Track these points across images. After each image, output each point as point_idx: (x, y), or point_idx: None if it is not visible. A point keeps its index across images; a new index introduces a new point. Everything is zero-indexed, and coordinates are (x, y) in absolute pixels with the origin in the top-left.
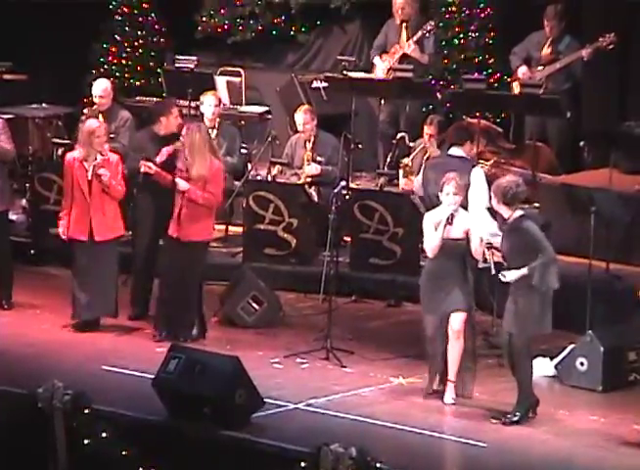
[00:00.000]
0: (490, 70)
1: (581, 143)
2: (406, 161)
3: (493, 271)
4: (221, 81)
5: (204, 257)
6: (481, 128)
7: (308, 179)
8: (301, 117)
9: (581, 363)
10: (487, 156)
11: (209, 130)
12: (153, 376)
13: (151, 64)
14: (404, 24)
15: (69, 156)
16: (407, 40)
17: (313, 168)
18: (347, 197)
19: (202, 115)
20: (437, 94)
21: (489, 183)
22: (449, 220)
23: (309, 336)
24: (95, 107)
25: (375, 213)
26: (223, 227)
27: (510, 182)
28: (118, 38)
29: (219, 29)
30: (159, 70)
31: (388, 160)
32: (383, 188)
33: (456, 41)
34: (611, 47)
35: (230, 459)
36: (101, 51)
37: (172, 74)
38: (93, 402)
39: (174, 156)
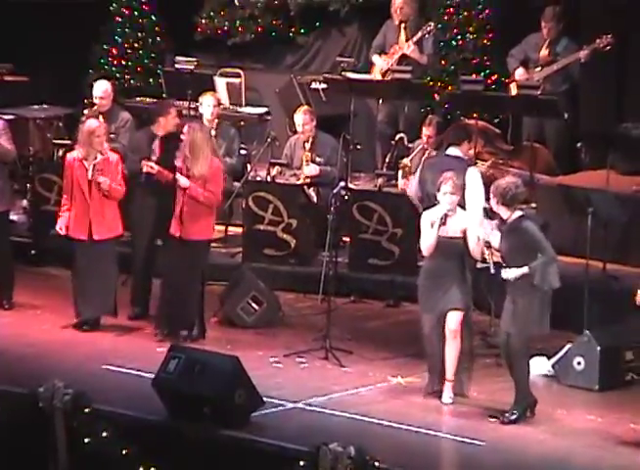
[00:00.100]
0: (488, 72)
1: (579, 144)
2: (405, 161)
3: (492, 271)
4: (221, 82)
5: (205, 256)
6: (479, 129)
7: (307, 180)
8: (301, 117)
9: (578, 363)
10: (485, 156)
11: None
12: (153, 376)
13: (151, 65)
14: (403, 25)
15: (70, 156)
16: (406, 41)
17: (312, 169)
18: (346, 197)
19: (201, 115)
20: (435, 95)
21: (486, 184)
22: (443, 220)
23: (308, 336)
24: (95, 108)
25: (374, 214)
26: (223, 228)
27: (509, 183)
28: (119, 39)
29: (219, 31)
30: (158, 72)
31: (387, 160)
32: (381, 189)
33: (454, 42)
34: (608, 49)
35: (230, 459)
36: (101, 52)
37: (172, 76)
38: (93, 402)
39: (173, 154)
